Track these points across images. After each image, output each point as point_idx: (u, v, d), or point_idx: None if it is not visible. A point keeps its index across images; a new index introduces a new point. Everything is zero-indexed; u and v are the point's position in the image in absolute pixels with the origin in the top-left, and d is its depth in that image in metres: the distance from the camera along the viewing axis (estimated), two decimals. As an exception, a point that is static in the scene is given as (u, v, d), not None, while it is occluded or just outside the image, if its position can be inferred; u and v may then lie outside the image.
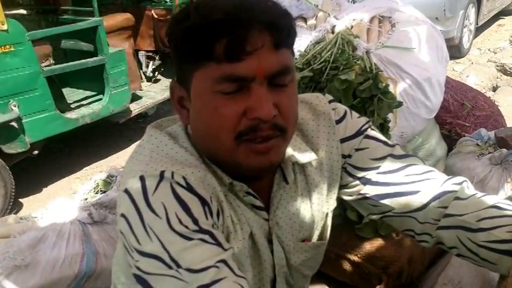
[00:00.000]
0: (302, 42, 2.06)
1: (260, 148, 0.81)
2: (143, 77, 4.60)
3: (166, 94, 4.16)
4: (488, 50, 6.43)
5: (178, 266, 0.72)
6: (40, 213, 2.08)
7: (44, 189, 3.51)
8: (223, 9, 0.76)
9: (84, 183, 3.18)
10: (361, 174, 0.99)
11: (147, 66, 4.60)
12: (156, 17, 4.43)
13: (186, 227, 0.74)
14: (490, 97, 3.66)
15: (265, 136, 0.80)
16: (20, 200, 3.36)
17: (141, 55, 4.56)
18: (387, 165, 0.98)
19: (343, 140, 0.99)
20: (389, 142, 1.02)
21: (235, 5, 0.77)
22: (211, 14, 0.77)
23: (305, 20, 2.30)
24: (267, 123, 0.79)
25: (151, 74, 4.62)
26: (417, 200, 0.95)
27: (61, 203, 2.07)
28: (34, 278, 1.77)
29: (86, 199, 2.15)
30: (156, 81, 4.66)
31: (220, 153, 0.83)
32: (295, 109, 0.85)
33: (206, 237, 0.74)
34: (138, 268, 0.76)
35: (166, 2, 4.47)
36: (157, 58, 4.59)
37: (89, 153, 4.03)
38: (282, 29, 0.79)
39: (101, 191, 2.22)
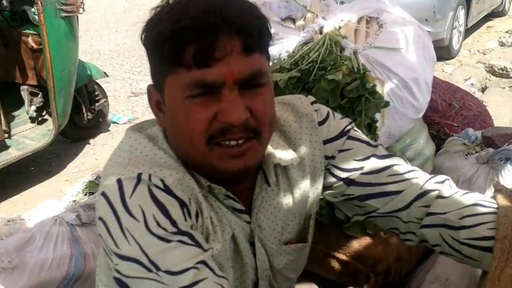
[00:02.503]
0: (290, 43, 2.07)
1: (234, 152, 0.81)
2: (26, 117, 3.81)
3: (49, 139, 3.55)
4: (478, 51, 6.48)
5: (158, 268, 0.72)
6: (28, 215, 2.07)
7: (34, 192, 3.49)
8: (192, 14, 0.76)
9: (74, 185, 3.16)
10: (344, 175, 1.00)
11: (30, 105, 3.75)
12: (32, 45, 3.60)
13: (164, 229, 0.74)
14: (478, 97, 3.69)
15: (237, 138, 0.80)
16: (10, 202, 3.34)
17: (23, 90, 3.75)
18: (370, 165, 0.99)
19: (326, 142, 1.00)
20: (372, 142, 1.03)
21: (204, 9, 0.76)
22: (181, 19, 0.76)
23: (293, 20, 2.31)
24: (238, 127, 0.79)
25: (34, 114, 3.76)
26: (401, 200, 0.97)
27: (49, 205, 2.06)
28: (21, 280, 1.76)
29: (75, 201, 2.14)
30: (42, 122, 3.83)
31: (195, 156, 0.83)
32: (270, 112, 0.85)
33: (185, 238, 0.75)
34: (117, 271, 0.76)
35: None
36: (40, 95, 3.76)
37: (80, 155, 4.02)
38: (253, 33, 0.79)
39: (90, 192, 2.21)
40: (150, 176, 0.78)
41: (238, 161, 0.82)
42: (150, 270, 0.72)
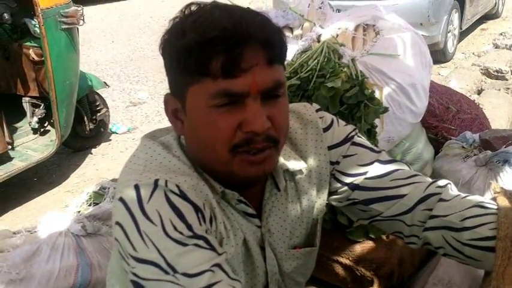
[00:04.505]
0: (289, 52, 2.09)
1: (255, 159, 0.84)
2: (28, 128, 3.80)
3: (52, 150, 3.51)
4: (473, 53, 6.52)
5: (175, 271, 0.75)
6: (33, 227, 2.09)
7: (36, 203, 3.50)
8: (219, 25, 0.79)
9: (76, 196, 3.18)
10: (349, 180, 1.03)
11: (32, 116, 3.75)
12: (33, 57, 3.58)
13: (181, 233, 0.77)
14: (474, 100, 3.72)
15: (260, 148, 0.84)
16: (12, 214, 3.35)
17: (25, 102, 3.75)
18: (374, 170, 1.02)
19: (330, 147, 1.02)
20: (375, 148, 1.05)
21: (231, 21, 0.80)
22: (208, 31, 0.79)
23: (291, 29, 2.34)
24: (261, 136, 0.83)
25: (36, 125, 3.76)
26: (404, 203, 0.99)
27: (54, 216, 2.08)
28: (29, 292, 1.78)
29: (79, 211, 2.16)
30: (45, 133, 3.81)
31: (216, 163, 0.86)
32: (286, 121, 0.89)
33: (200, 242, 0.77)
34: (135, 274, 0.78)
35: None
36: (42, 107, 3.75)
37: (81, 166, 4.03)
38: (276, 46, 0.83)
39: (94, 203, 2.23)
40: (166, 182, 0.81)
41: (259, 167, 0.85)
42: (167, 273, 0.75)
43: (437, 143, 2.56)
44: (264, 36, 0.81)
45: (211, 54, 0.79)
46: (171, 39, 0.85)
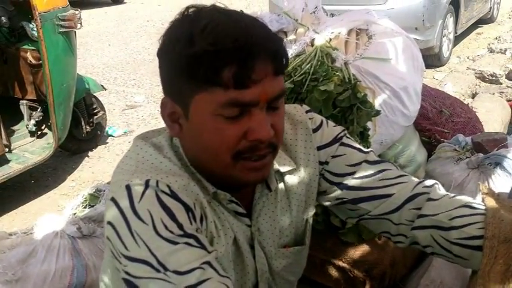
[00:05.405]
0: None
1: (256, 165, 0.87)
2: (26, 131, 3.78)
3: (49, 152, 3.51)
4: (468, 58, 6.56)
5: (166, 269, 0.76)
6: (29, 228, 2.10)
7: (32, 206, 3.50)
8: (230, 36, 0.80)
9: (71, 199, 3.18)
10: (338, 180, 1.05)
11: (30, 119, 3.73)
12: (31, 60, 3.58)
13: (172, 232, 0.79)
14: (468, 104, 3.75)
15: (262, 154, 0.86)
16: (8, 217, 3.35)
17: (22, 105, 3.73)
18: (362, 170, 1.04)
19: (320, 148, 1.05)
20: (363, 149, 1.08)
21: (241, 32, 0.81)
22: (219, 41, 0.79)
23: (285, 33, 2.36)
24: (265, 143, 0.85)
25: (34, 128, 3.73)
26: (392, 202, 1.01)
27: (50, 218, 2.09)
28: (25, 293, 1.79)
29: (75, 213, 2.17)
30: (42, 135, 3.80)
31: (215, 167, 0.88)
32: (283, 128, 0.93)
33: (191, 240, 0.79)
34: (127, 273, 0.80)
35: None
36: (39, 109, 3.73)
37: (76, 169, 4.03)
38: (282, 57, 0.86)
39: (89, 205, 2.24)
40: (157, 182, 0.83)
41: (258, 173, 0.88)
42: (158, 271, 0.76)
43: (430, 145, 2.58)
44: (272, 49, 0.83)
45: (223, 65, 0.80)
46: (176, 45, 0.84)
